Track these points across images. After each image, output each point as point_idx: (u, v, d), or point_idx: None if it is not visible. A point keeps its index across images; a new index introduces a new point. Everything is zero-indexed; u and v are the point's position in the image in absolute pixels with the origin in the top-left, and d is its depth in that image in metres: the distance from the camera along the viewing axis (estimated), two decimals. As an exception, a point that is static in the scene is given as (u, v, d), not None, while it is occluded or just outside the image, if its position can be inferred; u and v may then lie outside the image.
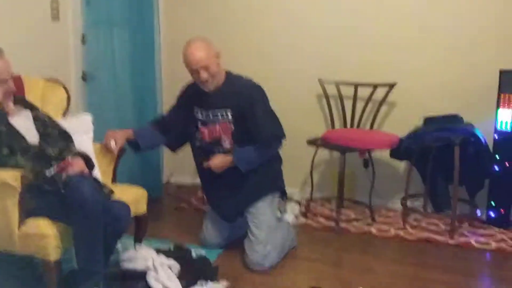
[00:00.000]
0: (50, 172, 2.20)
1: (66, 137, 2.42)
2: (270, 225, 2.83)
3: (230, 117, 2.77)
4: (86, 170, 2.30)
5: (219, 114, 2.78)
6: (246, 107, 2.74)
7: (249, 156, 2.77)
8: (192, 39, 2.76)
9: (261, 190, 2.88)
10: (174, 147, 3.07)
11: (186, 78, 2.94)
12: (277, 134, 2.84)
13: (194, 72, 2.70)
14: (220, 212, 2.95)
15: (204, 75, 2.66)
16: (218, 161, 2.78)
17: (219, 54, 2.76)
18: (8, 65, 2.22)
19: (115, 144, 2.68)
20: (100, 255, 2.17)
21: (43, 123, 2.37)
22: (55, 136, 2.37)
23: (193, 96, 2.86)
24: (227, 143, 2.81)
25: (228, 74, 2.83)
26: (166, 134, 2.95)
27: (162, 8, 4.01)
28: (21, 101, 2.40)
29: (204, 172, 2.92)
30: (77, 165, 2.26)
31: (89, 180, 2.17)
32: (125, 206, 2.36)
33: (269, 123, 2.80)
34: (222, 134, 2.79)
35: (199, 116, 2.84)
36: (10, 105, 2.29)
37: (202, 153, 2.88)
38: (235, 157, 2.76)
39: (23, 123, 2.28)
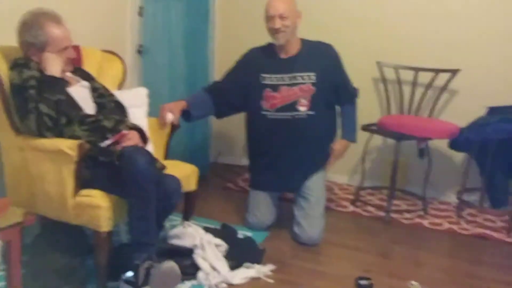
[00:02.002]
0: (105, 144, 2.20)
1: (121, 110, 2.41)
2: (324, 200, 2.93)
3: (313, 79, 2.77)
4: (140, 143, 2.29)
5: (300, 77, 2.77)
6: (331, 68, 2.83)
7: (355, 123, 2.99)
8: None
9: (320, 162, 2.93)
10: (222, 115, 3.03)
11: (239, 53, 2.90)
12: (356, 88, 2.99)
13: (269, 19, 2.71)
14: (275, 184, 2.92)
15: (277, 23, 2.68)
16: (340, 152, 2.95)
17: (300, 14, 2.78)
18: (68, 33, 2.23)
19: (173, 116, 2.65)
20: (154, 227, 2.17)
21: (100, 94, 2.37)
22: (111, 108, 2.37)
23: (260, 62, 2.84)
24: (303, 107, 2.78)
25: (303, 40, 2.85)
26: (217, 101, 2.90)
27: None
28: (80, 71, 2.41)
29: (263, 144, 2.88)
30: (132, 138, 2.25)
31: (143, 152, 2.16)
32: (176, 181, 2.34)
33: (349, 80, 2.96)
34: (301, 97, 2.77)
35: (268, 81, 2.79)
36: (69, 74, 2.30)
37: (267, 121, 2.82)
38: (349, 135, 2.95)
39: (81, 93, 2.28)
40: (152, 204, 2.13)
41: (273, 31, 2.71)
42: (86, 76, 2.41)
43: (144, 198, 2.10)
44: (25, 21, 2.17)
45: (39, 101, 2.06)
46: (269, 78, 2.79)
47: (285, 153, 2.83)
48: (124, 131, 2.26)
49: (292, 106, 2.77)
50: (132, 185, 2.06)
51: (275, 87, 2.78)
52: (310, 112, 2.78)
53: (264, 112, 2.82)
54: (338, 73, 2.88)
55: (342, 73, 2.91)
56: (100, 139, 2.20)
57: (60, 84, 2.15)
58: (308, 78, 2.77)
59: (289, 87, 2.77)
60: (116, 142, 2.21)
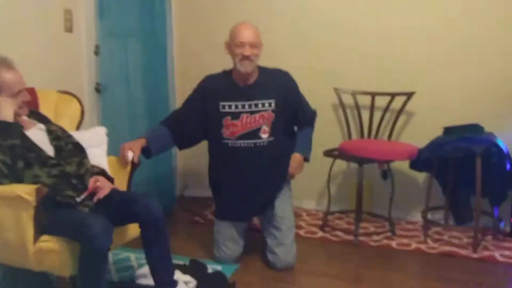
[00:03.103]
0: (81, 198, 2.18)
1: (80, 151, 2.37)
2: (294, 226, 2.97)
3: (273, 106, 2.80)
4: (114, 187, 2.30)
5: (260, 104, 2.79)
6: (289, 94, 2.87)
7: (309, 143, 3.01)
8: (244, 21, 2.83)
9: (281, 184, 2.93)
10: (183, 146, 3.02)
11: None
12: (314, 110, 3.06)
13: (239, 46, 2.72)
14: (239, 213, 2.90)
15: (248, 51, 2.71)
16: (295, 165, 2.91)
17: (262, 47, 2.81)
18: (20, 76, 2.19)
19: (133, 154, 2.61)
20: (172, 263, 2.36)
21: (56, 136, 2.32)
22: (69, 150, 2.32)
23: (217, 90, 2.83)
24: (265, 134, 2.80)
25: (260, 67, 2.88)
26: (176, 134, 2.88)
27: (175, 17, 3.99)
28: (35, 114, 2.36)
29: (225, 172, 2.87)
30: (105, 187, 2.27)
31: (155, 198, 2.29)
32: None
33: (307, 103, 3.02)
34: (263, 125, 2.78)
35: (228, 109, 2.79)
36: (25, 118, 2.25)
37: (228, 149, 2.81)
38: (303, 151, 2.95)
39: (38, 136, 2.23)
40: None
41: (242, 58, 2.72)
42: (42, 119, 2.36)
43: (165, 239, 2.28)
44: None
45: None
46: (228, 106, 2.80)
47: (247, 180, 2.82)
48: (97, 183, 2.26)
49: (254, 134, 2.79)
50: (153, 226, 2.23)
51: (235, 115, 2.79)
52: (270, 139, 2.81)
53: (225, 141, 2.82)
54: (296, 99, 2.93)
55: (300, 99, 2.97)
56: (65, 185, 2.16)
57: (13, 128, 2.10)
58: (268, 105, 2.80)
59: (250, 115, 2.78)
60: (91, 194, 2.22)
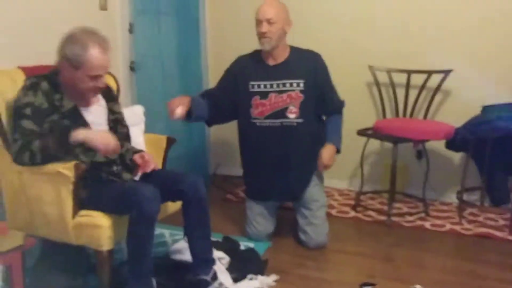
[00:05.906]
0: (138, 176, 2.28)
1: (128, 140, 2.40)
2: (325, 205, 2.97)
3: (302, 86, 2.76)
4: (156, 165, 2.34)
5: (288, 84, 2.76)
6: (319, 77, 2.81)
7: (339, 132, 2.92)
8: None
9: (313, 169, 2.88)
10: (212, 122, 3.00)
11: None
12: (343, 101, 2.97)
13: (257, 23, 2.72)
14: (268, 194, 2.90)
15: (264, 28, 2.68)
16: (329, 156, 2.82)
17: (291, 23, 2.78)
18: (108, 62, 2.11)
19: (181, 110, 2.58)
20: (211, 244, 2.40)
21: (115, 120, 2.32)
22: (122, 136, 2.33)
23: (248, 70, 2.82)
24: (292, 114, 2.77)
25: (292, 47, 2.85)
26: (210, 108, 2.87)
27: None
28: (105, 90, 2.33)
29: (255, 152, 2.86)
30: (152, 163, 2.30)
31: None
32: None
33: (336, 92, 2.94)
34: (290, 105, 2.76)
35: (257, 89, 2.78)
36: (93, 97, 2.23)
37: (257, 129, 2.80)
38: (335, 141, 2.87)
39: (96, 113, 2.23)
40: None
41: (260, 35, 2.71)
42: (109, 97, 2.36)
43: (208, 219, 2.33)
44: (73, 35, 2.07)
45: (35, 137, 1.99)
46: (257, 86, 2.78)
47: (277, 161, 2.81)
48: (146, 157, 2.29)
49: (281, 113, 2.77)
50: (198, 206, 2.29)
51: (264, 94, 2.77)
52: (299, 120, 2.77)
53: (253, 120, 2.81)
54: (326, 83, 2.86)
55: (329, 83, 2.89)
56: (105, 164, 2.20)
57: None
58: (296, 85, 2.76)
59: (278, 94, 2.76)
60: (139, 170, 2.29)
